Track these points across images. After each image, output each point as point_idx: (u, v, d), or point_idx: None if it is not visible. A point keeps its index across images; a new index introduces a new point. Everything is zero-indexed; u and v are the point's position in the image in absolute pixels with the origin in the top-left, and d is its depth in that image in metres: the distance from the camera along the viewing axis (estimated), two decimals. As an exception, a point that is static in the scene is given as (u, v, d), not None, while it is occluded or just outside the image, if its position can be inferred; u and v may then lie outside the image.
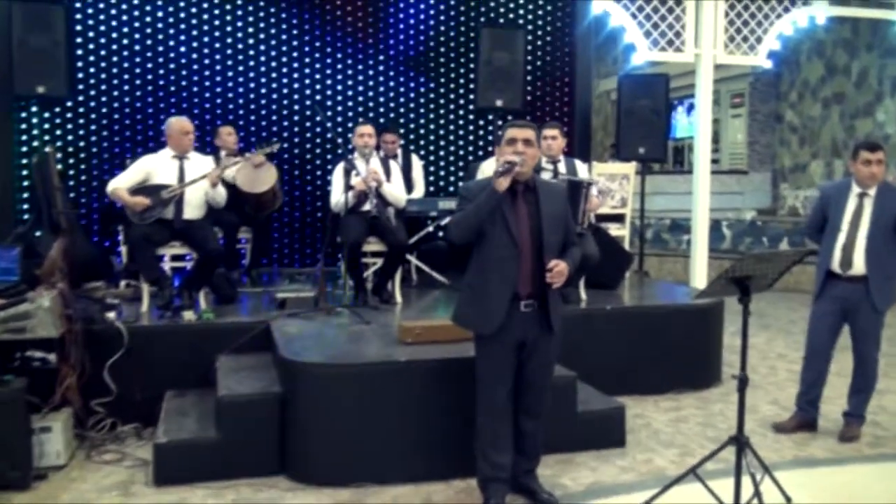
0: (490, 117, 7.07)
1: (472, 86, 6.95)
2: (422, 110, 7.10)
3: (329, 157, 6.68)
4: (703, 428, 4.11)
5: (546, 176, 4.73)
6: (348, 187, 4.81)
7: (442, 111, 7.13)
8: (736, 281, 2.93)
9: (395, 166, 5.25)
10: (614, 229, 5.64)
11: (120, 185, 4.49)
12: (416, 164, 6.19)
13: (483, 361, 2.97)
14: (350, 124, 6.57)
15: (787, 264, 3.03)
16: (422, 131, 7.13)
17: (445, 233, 2.88)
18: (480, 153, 7.16)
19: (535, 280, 2.86)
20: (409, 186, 5.93)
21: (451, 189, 7.11)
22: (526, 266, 2.84)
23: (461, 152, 7.23)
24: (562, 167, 4.92)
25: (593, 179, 4.87)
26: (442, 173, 7.18)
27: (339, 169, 4.94)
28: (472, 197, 2.86)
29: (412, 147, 6.83)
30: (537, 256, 2.86)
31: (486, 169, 5.35)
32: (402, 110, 7.04)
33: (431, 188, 6.85)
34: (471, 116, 7.20)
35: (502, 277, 2.83)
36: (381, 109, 6.96)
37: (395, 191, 5.04)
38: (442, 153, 7.17)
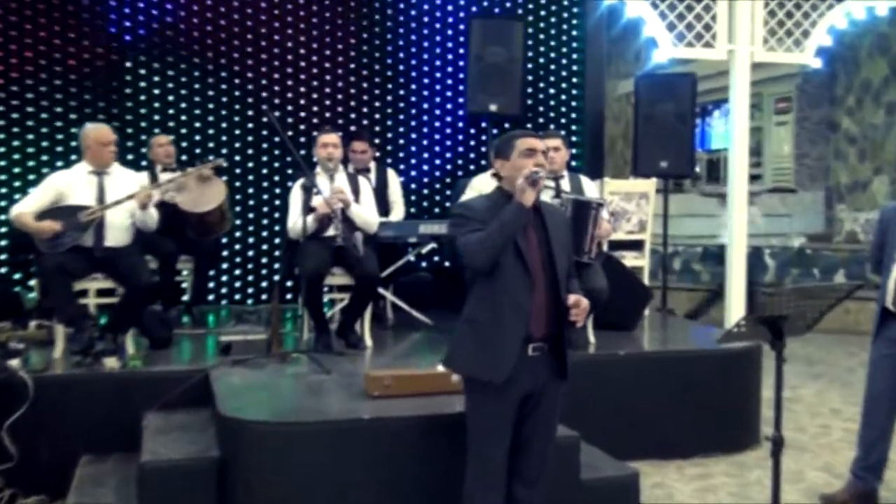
0: (483, 125, 7.13)
1: (461, 87, 7.03)
2: (400, 116, 7.17)
3: (290, 171, 6.73)
4: (735, 500, 4.09)
5: (547, 195, 4.77)
6: (308, 209, 4.83)
7: (424, 117, 7.21)
8: (767, 322, 2.94)
9: (365, 184, 5.28)
10: (631, 258, 5.67)
11: (25, 208, 4.49)
12: (393, 181, 6.23)
13: (479, 415, 2.98)
14: (313, 133, 6.62)
15: (829, 302, 3.04)
16: (400, 141, 7.19)
17: (465, 257, 2.92)
18: (471, 167, 7.22)
19: (548, 318, 2.92)
20: (386, 207, 5.96)
21: (437, 210, 7.15)
22: (540, 301, 2.90)
23: (448, 167, 7.29)
24: (565, 184, 4.95)
25: (604, 200, 4.90)
26: (424, 192, 7.23)
27: (297, 187, 4.97)
28: (477, 217, 2.92)
29: (389, 160, 6.88)
30: (552, 290, 2.92)
31: (479, 186, 5.38)
32: (376, 116, 7.11)
33: (412, 209, 6.89)
34: (459, 124, 7.26)
35: (516, 314, 2.87)
36: (352, 115, 7.03)
37: (364, 213, 5.07)
38: (424, 168, 7.23)
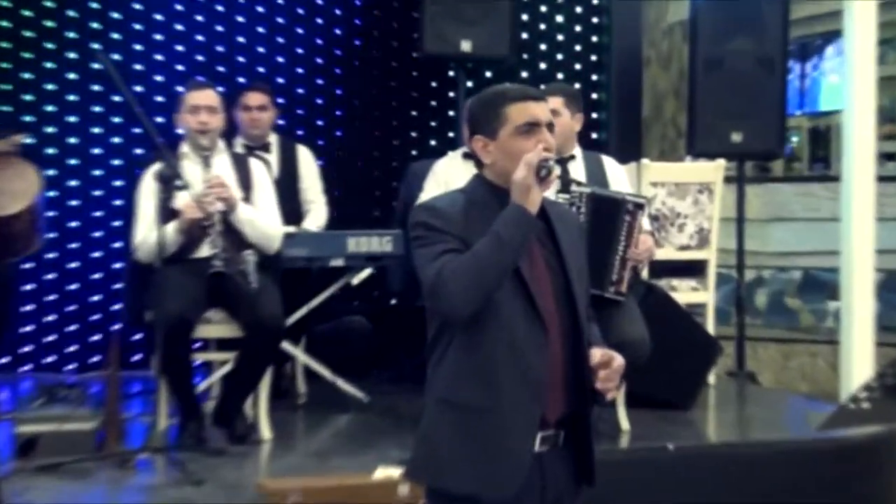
0: (450, 73, 7.18)
1: (414, 14, 7.03)
2: (317, 59, 7.18)
3: (138, 152, 6.63)
4: None
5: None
6: (167, 214, 4.80)
7: (355, 63, 7.23)
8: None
9: (261, 171, 5.29)
10: (686, 291, 5.72)
11: None
12: (308, 167, 6.24)
13: None
14: (176, 89, 6.60)
15: None
16: (318, 102, 7.20)
17: (437, 298, 2.83)
18: (431, 143, 7.27)
19: (566, 389, 2.92)
20: (296, 209, 6.02)
21: (377, 214, 7.19)
22: (555, 362, 2.90)
23: (394, 142, 7.32)
24: (577, 169, 5.01)
25: (644, 197, 4.91)
26: (357, 184, 7.25)
27: (149, 178, 4.92)
28: (451, 228, 2.86)
29: (300, 132, 6.86)
30: (570, 342, 2.95)
31: (445, 174, 5.43)
32: (279, 60, 7.12)
33: (336, 213, 6.88)
34: (413, 73, 7.29)
35: (525, 386, 2.85)
36: (241, 59, 7.03)
37: (259, 220, 5.08)
38: (357, 145, 7.26)
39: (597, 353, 2.89)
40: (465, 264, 2.80)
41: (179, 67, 6.91)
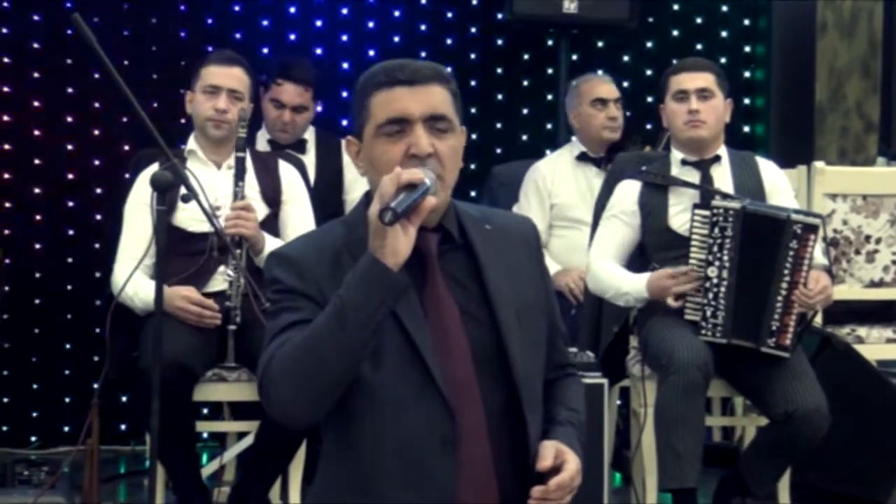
0: (549, 43, 7.25)
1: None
2: (376, 23, 7.25)
3: (126, 148, 6.75)
4: None
5: (680, 199, 4.95)
6: (169, 241, 4.69)
7: (422, 27, 7.34)
8: None
9: (292, 178, 5.32)
10: (878, 342, 5.67)
11: None
12: (356, 169, 6.22)
13: None
14: (179, 63, 6.73)
15: None
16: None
17: (264, 403, 2.73)
18: (523, 139, 7.37)
19: (508, 500, 2.81)
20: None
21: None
22: (478, 461, 2.78)
23: (471, 136, 7.30)
24: (722, 175, 5.08)
25: (818, 216, 4.89)
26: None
27: (143, 186, 4.94)
28: (309, 289, 2.77)
29: (345, 122, 6.94)
30: (509, 427, 2.84)
31: (548, 181, 5.73)
32: (317, 24, 7.22)
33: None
34: (498, 42, 7.37)
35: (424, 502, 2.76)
36: (265, 23, 7.14)
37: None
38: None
39: (548, 451, 2.80)
40: (297, 350, 2.68)
41: (182, 34, 7.02)
